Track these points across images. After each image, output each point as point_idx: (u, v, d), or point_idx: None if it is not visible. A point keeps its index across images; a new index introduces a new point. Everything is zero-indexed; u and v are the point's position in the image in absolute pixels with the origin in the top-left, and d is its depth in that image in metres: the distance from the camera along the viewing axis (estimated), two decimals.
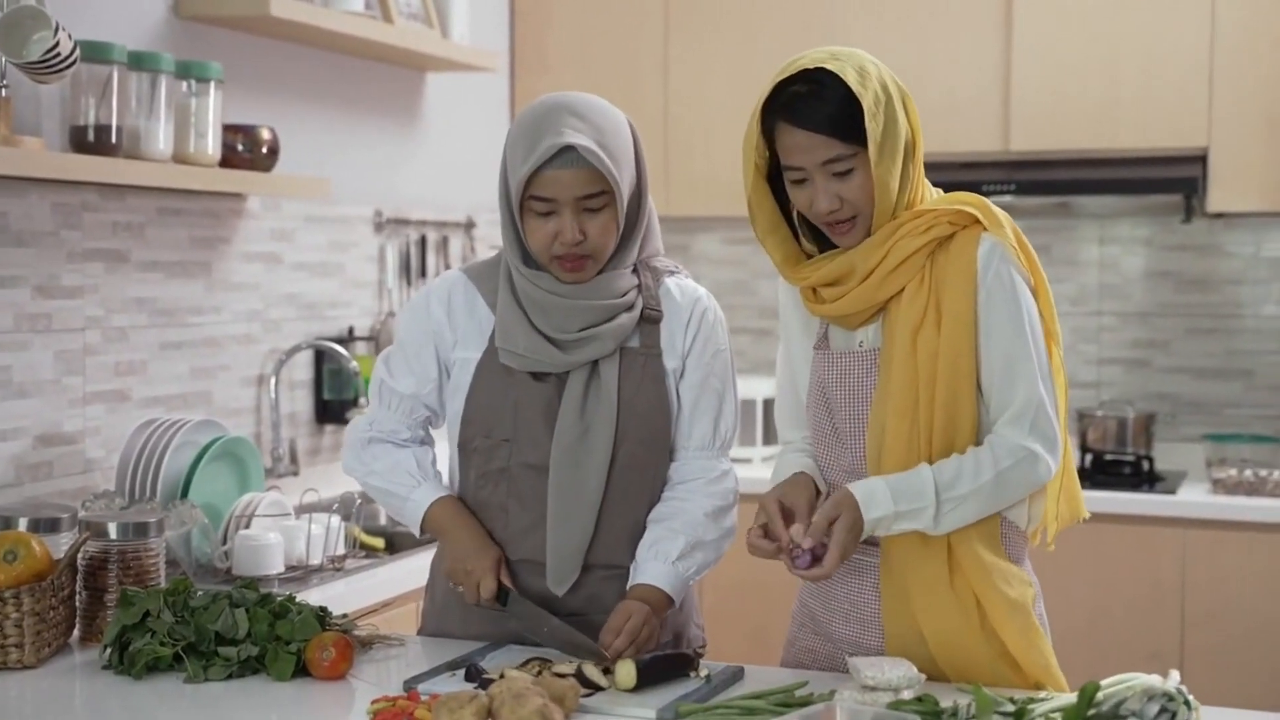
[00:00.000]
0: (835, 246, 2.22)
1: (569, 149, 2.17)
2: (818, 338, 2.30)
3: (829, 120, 2.09)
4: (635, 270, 2.34)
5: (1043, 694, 2.00)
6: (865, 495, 2.09)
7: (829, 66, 2.10)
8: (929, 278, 2.15)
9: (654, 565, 2.27)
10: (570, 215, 2.20)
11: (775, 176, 2.21)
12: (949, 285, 2.14)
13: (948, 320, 2.13)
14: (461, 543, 2.30)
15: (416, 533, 2.38)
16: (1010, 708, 1.85)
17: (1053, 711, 1.87)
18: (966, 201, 2.18)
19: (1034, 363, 2.14)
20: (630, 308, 2.30)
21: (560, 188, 2.19)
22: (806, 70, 2.12)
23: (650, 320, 2.32)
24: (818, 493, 2.26)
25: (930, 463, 2.13)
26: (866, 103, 2.08)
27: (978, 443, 2.15)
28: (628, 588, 2.28)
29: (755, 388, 4.54)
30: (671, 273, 2.39)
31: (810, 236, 2.25)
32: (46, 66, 2.65)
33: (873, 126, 2.08)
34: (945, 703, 1.93)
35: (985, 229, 2.16)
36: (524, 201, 2.22)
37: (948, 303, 2.14)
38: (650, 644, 2.19)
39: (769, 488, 2.32)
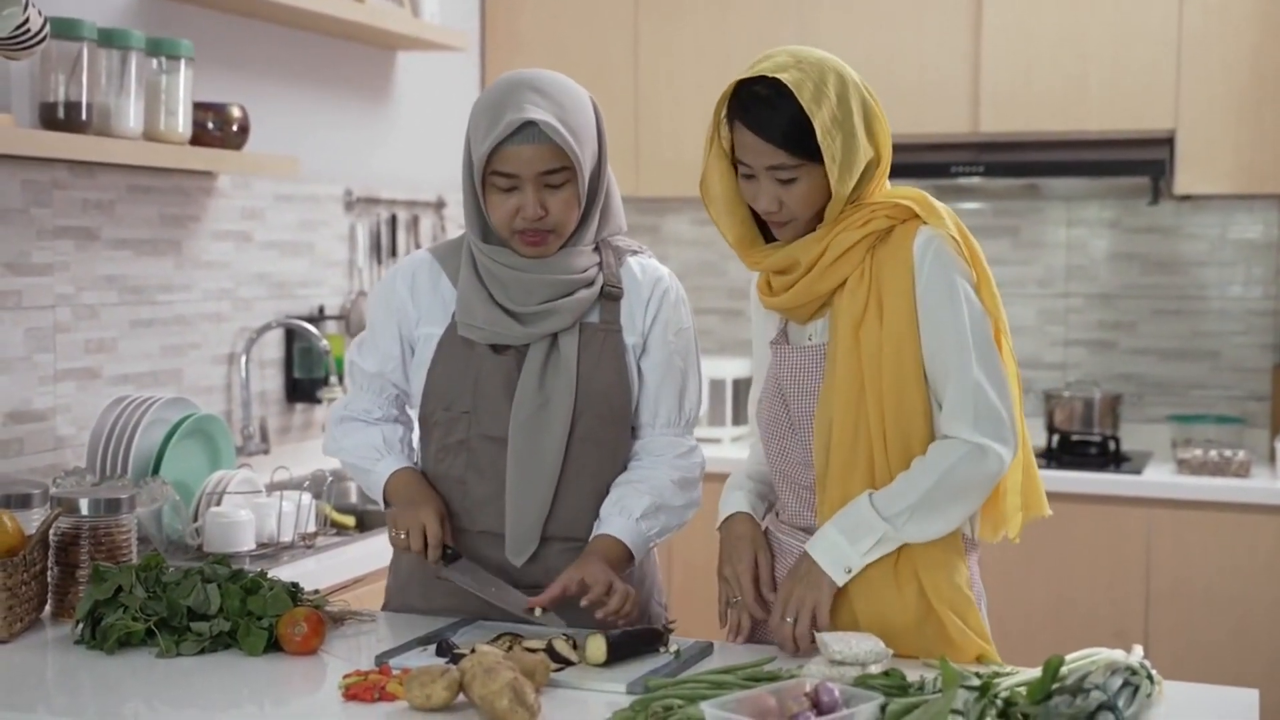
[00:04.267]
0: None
1: (530, 124, 2.19)
2: (776, 333, 2.32)
3: (779, 131, 2.12)
4: (597, 248, 2.36)
5: (1008, 668, 2.02)
6: (815, 542, 2.17)
7: (786, 78, 2.11)
8: (869, 271, 2.17)
9: (616, 519, 2.30)
10: (532, 191, 2.22)
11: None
12: (888, 278, 2.16)
13: (889, 314, 2.15)
14: (408, 498, 2.34)
15: (382, 505, 2.42)
16: (976, 681, 1.88)
17: (1018, 685, 1.89)
18: (906, 196, 2.20)
19: (971, 353, 2.14)
20: (590, 284, 2.32)
21: (521, 163, 2.21)
22: (760, 77, 2.13)
23: (611, 297, 2.35)
24: (762, 535, 2.34)
25: (888, 460, 2.16)
26: (819, 122, 2.10)
27: (933, 435, 2.17)
28: (590, 539, 2.31)
29: (724, 368, 4.55)
30: (635, 252, 2.41)
31: (747, 221, 2.28)
32: (16, 42, 2.63)
33: (828, 144, 2.11)
34: (912, 677, 1.95)
35: (923, 222, 2.17)
36: (486, 177, 2.24)
37: (888, 296, 2.15)
38: (624, 611, 2.21)
39: (745, 469, 2.40)
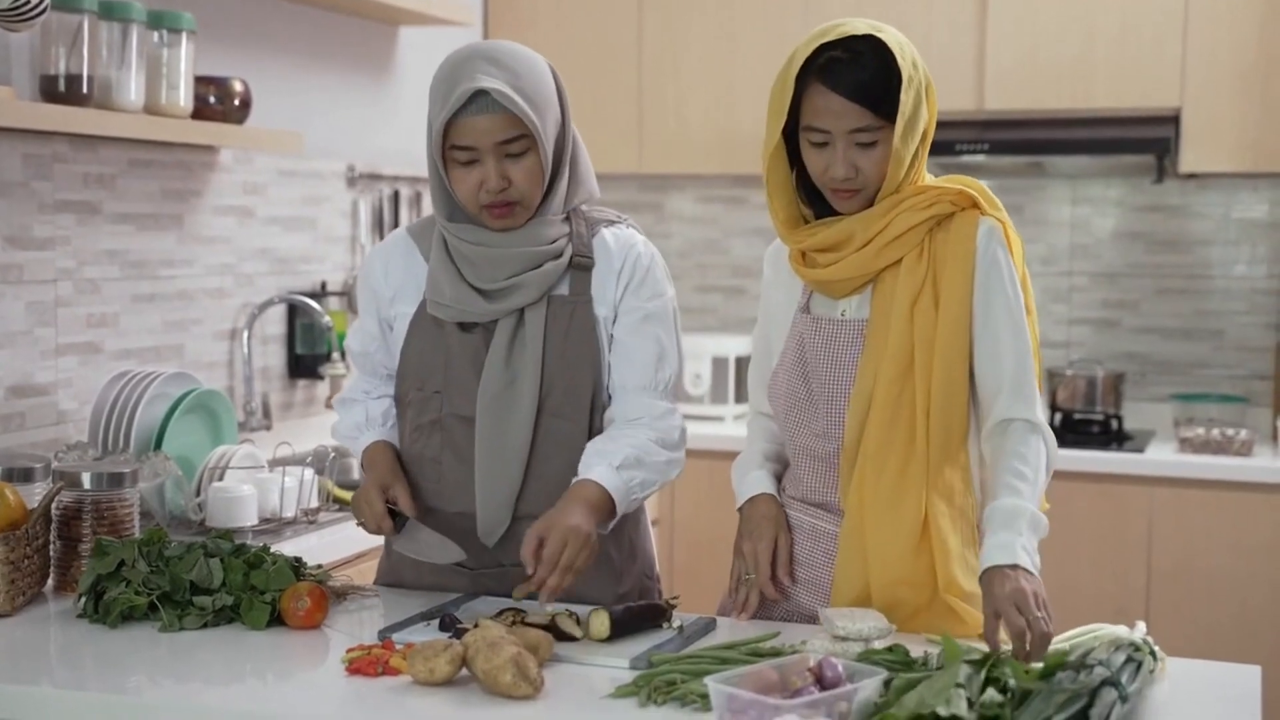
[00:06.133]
0: (826, 214, 2.25)
1: (482, 94, 2.16)
2: (800, 305, 2.32)
3: (865, 90, 2.13)
4: (568, 218, 2.33)
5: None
6: (987, 556, 2.06)
7: (877, 35, 2.13)
8: (928, 253, 2.20)
9: (597, 466, 2.21)
10: (493, 162, 2.19)
11: (786, 136, 2.22)
12: (948, 264, 2.19)
13: (946, 300, 2.18)
14: (364, 480, 2.35)
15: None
16: (978, 656, 1.87)
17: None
18: (967, 184, 2.24)
19: (1026, 341, 2.20)
20: (558, 255, 2.28)
21: (478, 134, 2.18)
22: (845, 38, 2.14)
23: (581, 268, 2.31)
24: (784, 518, 2.32)
25: (928, 437, 2.17)
26: (905, 73, 2.13)
27: (969, 416, 2.20)
28: (570, 487, 2.22)
29: (727, 345, 4.54)
30: (611, 223, 2.37)
31: (805, 200, 2.27)
32: (16, 14, 2.62)
33: (905, 99, 2.13)
34: (915, 653, 1.95)
35: (983, 212, 2.22)
36: (446, 152, 2.22)
37: (946, 282, 2.19)
38: (580, 559, 2.13)
39: (758, 448, 2.38)
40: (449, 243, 2.29)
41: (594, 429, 2.32)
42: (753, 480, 2.36)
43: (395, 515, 2.30)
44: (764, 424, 2.42)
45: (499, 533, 2.30)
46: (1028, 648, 1.95)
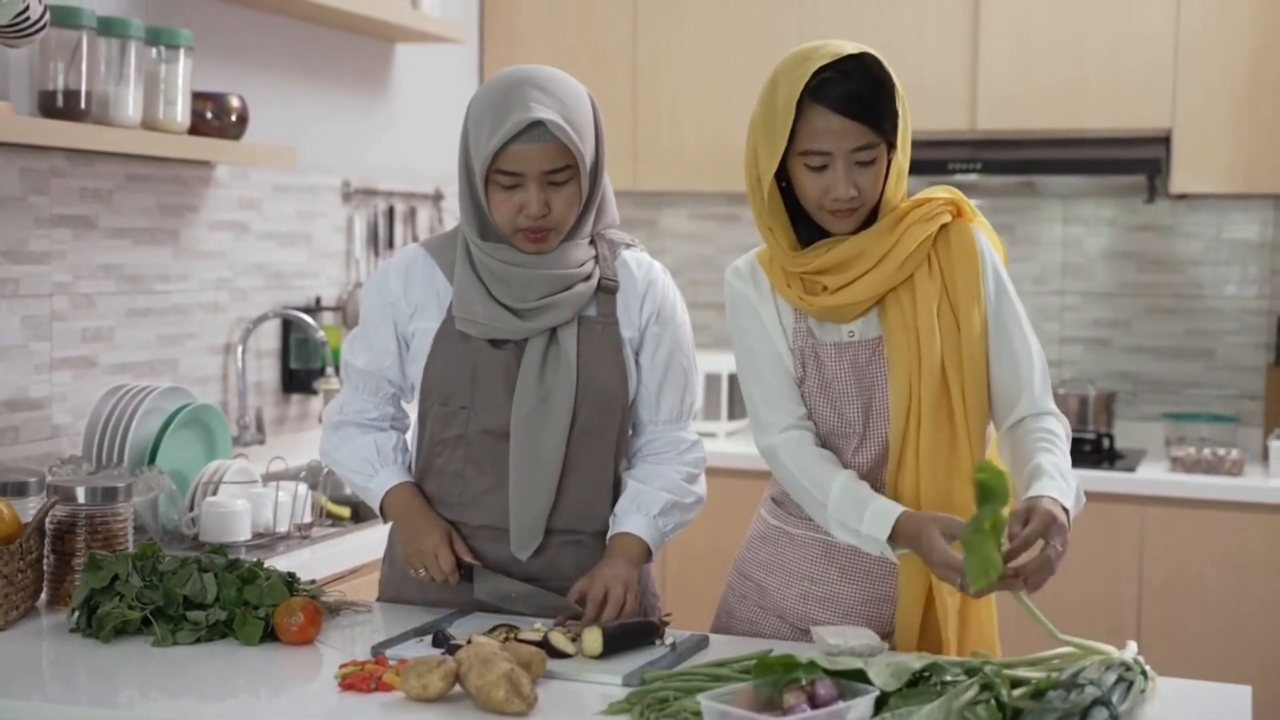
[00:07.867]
0: (814, 238, 2.24)
1: (537, 124, 2.19)
2: (800, 331, 2.29)
3: (864, 107, 2.14)
4: (593, 242, 2.36)
5: (1000, 659, 2.02)
6: (1046, 488, 2.10)
7: (867, 53, 2.16)
8: (936, 264, 2.23)
9: (636, 517, 2.33)
10: (535, 189, 2.22)
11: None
12: (959, 269, 2.23)
13: (963, 302, 2.22)
14: (409, 527, 2.35)
15: (380, 517, 2.43)
16: (966, 679, 1.88)
17: (1013, 679, 1.89)
18: (951, 193, 2.28)
19: (1037, 345, 2.27)
20: (588, 278, 2.32)
21: (527, 162, 2.20)
22: (836, 59, 2.13)
23: (607, 290, 2.35)
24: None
25: (969, 439, 2.20)
26: (898, 88, 2.16)
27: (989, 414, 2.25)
28: (608, 538, 2.34)
29: (720, 362, 4.55)
30: (628, 246, 2.42)
31: (790, 226, 2.26)
32: (15, 30, 2.63)
33: (902, 109, 2.16)
34: None
35: (969, 219, 2.27)
36: (489, 175, 2.23)
37: (960, 291, 2.22)
38: (629, 601, 2.25)
39: (818, 487, 2.22)
40: (478, 260, 2.31)
41: (620, 446, 2.39)
42: (881, 504, 2.16)
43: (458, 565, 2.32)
44: (811, 443, 2.26)
45: (533, 546, 2.33)
46: (1031, 563, 2.01)
